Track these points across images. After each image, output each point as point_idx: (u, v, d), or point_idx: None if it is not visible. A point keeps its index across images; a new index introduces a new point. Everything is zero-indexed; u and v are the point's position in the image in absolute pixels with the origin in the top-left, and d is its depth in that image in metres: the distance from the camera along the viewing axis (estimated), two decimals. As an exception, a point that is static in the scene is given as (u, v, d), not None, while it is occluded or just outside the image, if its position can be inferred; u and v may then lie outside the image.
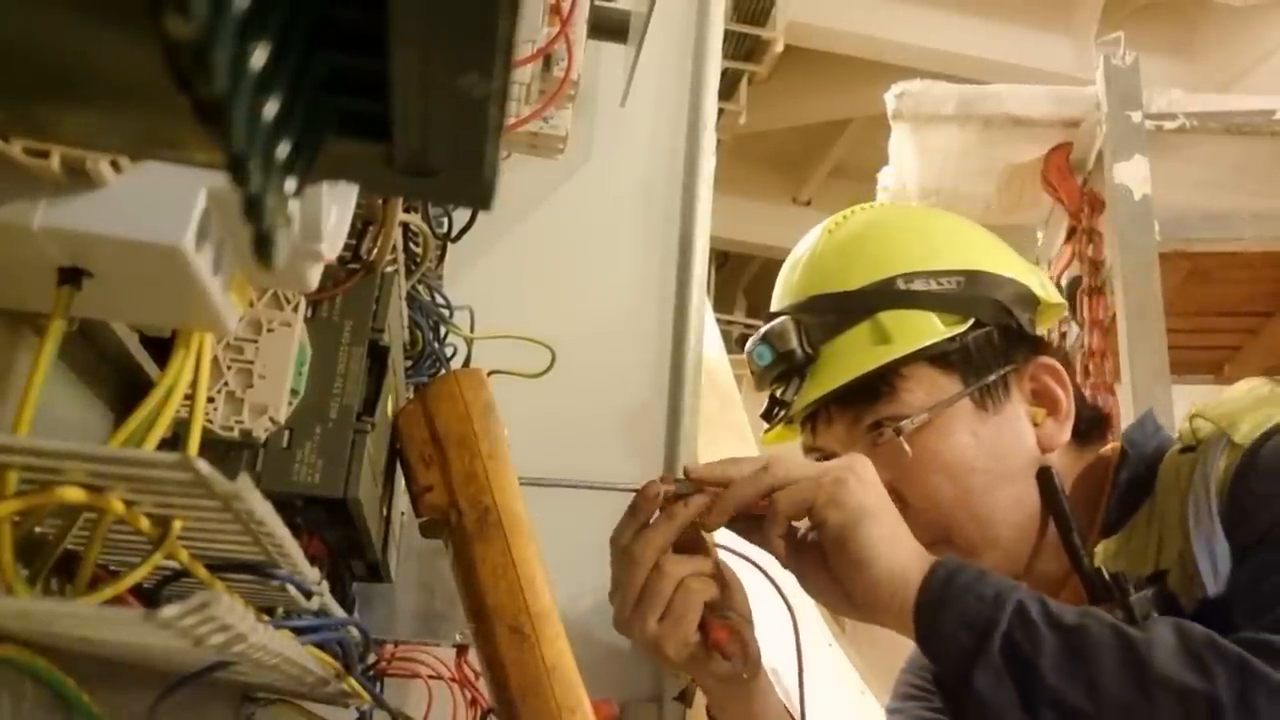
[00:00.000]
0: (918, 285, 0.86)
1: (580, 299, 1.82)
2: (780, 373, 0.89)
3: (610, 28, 1.25)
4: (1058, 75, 4.42)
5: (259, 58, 0.18)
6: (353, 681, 0.67)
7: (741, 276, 6.98)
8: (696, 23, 2.00)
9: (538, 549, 0.77)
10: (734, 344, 6.25)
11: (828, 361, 0.87)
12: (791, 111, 5.61)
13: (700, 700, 0.90)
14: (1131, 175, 2.61)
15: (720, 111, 2.14)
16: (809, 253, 0.93)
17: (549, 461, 1.55)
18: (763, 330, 0.90)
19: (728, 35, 4.22)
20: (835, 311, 0.87)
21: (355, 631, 0.66)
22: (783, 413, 0.90)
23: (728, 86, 4.92)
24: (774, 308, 0.93)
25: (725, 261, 6.66)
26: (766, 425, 0.93)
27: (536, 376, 1.07)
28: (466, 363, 1.06)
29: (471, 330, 1.08)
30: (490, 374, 0.84)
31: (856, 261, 0.89)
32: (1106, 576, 0.76)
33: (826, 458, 0.88)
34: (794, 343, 0.87)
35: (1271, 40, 4.71)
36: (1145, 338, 2.49)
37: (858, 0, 4.82)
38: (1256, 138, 2.73)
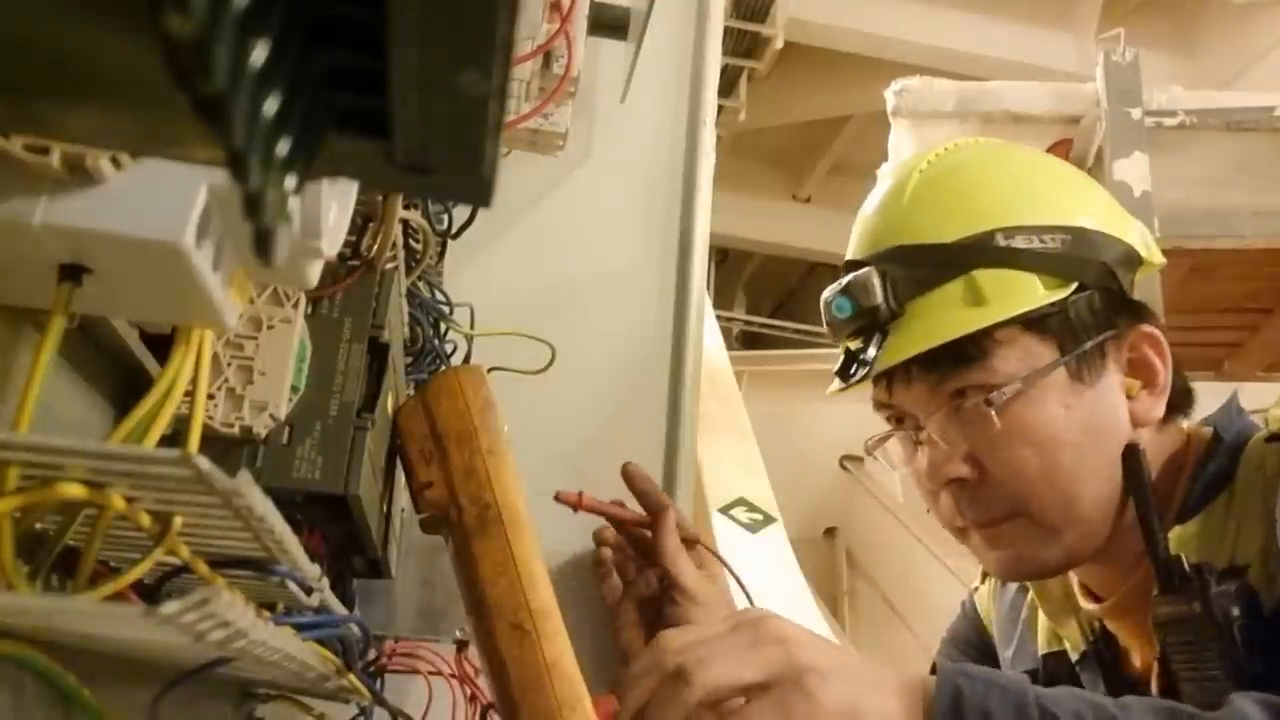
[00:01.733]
0: (1019, 242, 0.79)
1: (580, 295, 1.81)
2: (860, 327, 0.82)
3: (610, 24, 1.25)
4: (1058, 72, 4.43)
5: (259, 55, 0.18)
6: (353, 678, 0.67)
7: (741, 273, 6.99)
8: (696, 19, 1.99)
9: (538, 545, 0.77)
10: (734, 341, 6.26)
11: (915, 319, 0.80)
12: (791, 108, 5.61)
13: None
14: (1131, 172, 2.61)
15: (720, 108, 2.14)
16: (896, 197, 0.85)
17: (548, 458, 1.55)
18: (844, 280, 0.83)
19: (727, 32, 4.22)
20: (926, 265, 0.80)
21: (355, 628, 0.66)
22: (860, 372, 0.83)
23: (727, 83, 4.93)
24: (855, 255, 0.86)
25: (725, 258, 6.66)
26: (840, 382, 0.86)
27: (537, 373, 1.07)
28: (466, 359, 1.06)
29: (471, 327, 1.07)
30: (490, 370, 0.84)
31: (951, 210, 0.82)
32: (1186, 566, 0.71)
33: (899, 418, 0.84)
34: (879, 297, 0.80)
35: (1271, 37, 4.71)
36: (1145, 334, 2.48)
37: (858, -3, 4.83)
38: (1256, 134, 2.73)
